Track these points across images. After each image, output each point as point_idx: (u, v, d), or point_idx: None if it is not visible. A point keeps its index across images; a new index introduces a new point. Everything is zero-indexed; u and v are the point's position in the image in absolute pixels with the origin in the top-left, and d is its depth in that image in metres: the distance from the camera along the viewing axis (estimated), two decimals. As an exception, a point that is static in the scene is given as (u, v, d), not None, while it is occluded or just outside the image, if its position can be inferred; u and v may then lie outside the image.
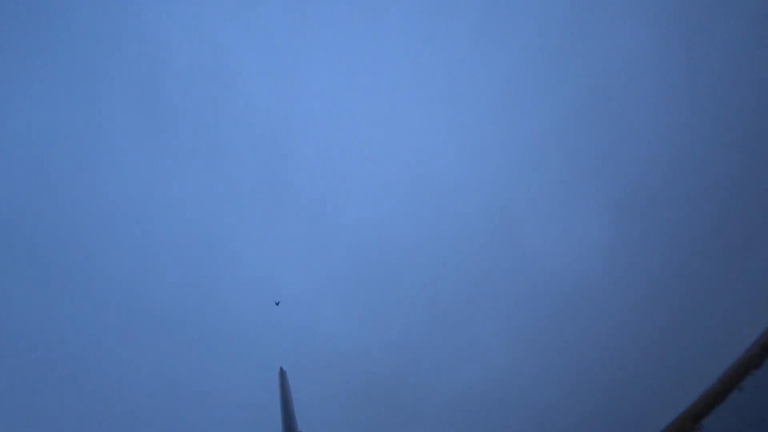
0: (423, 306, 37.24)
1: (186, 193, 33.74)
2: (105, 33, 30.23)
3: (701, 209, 33.34)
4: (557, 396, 32.93)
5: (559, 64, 35.99)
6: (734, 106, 33.17)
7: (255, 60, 34.11)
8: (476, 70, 36.36)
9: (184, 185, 33.62)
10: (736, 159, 32.82)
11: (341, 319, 36.63)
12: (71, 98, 30.23)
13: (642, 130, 35.87)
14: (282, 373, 6.13)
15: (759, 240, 30.49)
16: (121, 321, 31.14)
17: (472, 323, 36.70)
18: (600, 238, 36.21)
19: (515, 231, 37.91)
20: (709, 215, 33.01)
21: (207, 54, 32.89)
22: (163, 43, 31.53)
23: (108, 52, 30.59)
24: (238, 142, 34.89)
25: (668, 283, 33.36)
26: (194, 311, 33.27)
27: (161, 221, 33.11)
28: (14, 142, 29.18)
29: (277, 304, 31.57)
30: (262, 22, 33.26)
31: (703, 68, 34.11)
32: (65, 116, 30.28)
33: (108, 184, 31.54)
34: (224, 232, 34.92)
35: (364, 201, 37.72)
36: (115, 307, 31.12)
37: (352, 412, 33.16)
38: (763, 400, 18.64)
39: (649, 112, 35.70)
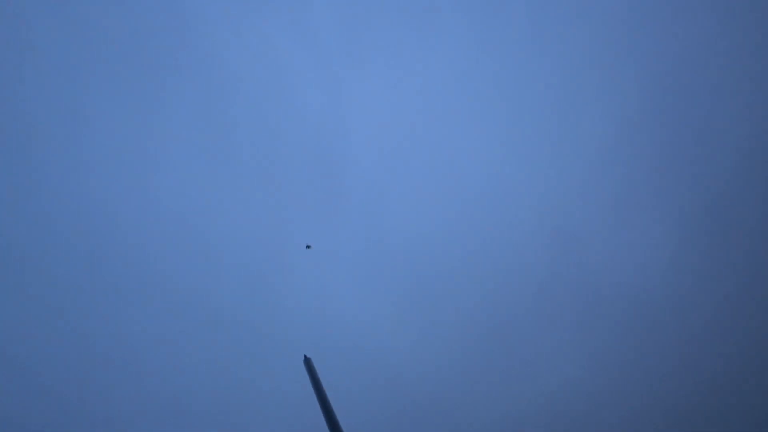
0: (479, 320, 36.81)
1: (244, 203, 36.24)
2: (174, 53, 33.63)
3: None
4: (619, 413, 31.21)
5: (621, 66, 34.61)
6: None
7: (311, 75, 36.20)
8: (530, 76, 35.81)
9: (244, 196, 36.14)
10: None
11: (394, 334, 37.10)
12: (139, 112, 33.74)
13: (711, 136, 33.48)
14: (307, 361, 6.43)
15: None
16: (183, 320, 33.91)
17: (529, 337, 35.75)
18: (665, 250, 34.11)
19: (575, 242, 36.58)
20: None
21: (266, 72, 35.44)
22: (227, 63, 34.54)
23: (173, 70, 33.97)
24: (295, 155, 36.97)
25: (743, 301, 30.65)
26: (248, 312, 35.41)
27: (220, 228, 35.78)
28: (84, 156, 32.95)
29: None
30: (318, 38, 35.36)
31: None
32: (133, 130, 33.78)
33: (173, 195, 34.63)
34: (279, 240, 36.93)
35: (417, 211, 38.15)
36: (178, 307, 33.95)
37: (401, 428, 33.44)
38: None
39: (719, 116, 33.30)
